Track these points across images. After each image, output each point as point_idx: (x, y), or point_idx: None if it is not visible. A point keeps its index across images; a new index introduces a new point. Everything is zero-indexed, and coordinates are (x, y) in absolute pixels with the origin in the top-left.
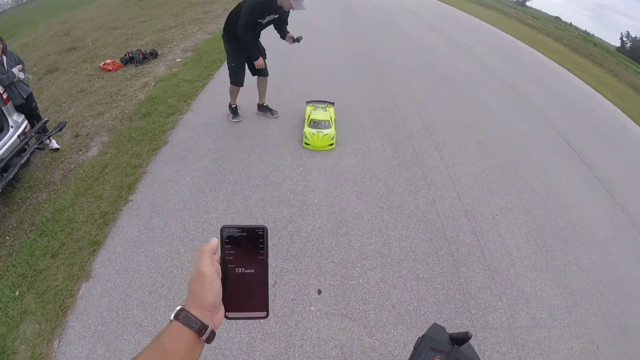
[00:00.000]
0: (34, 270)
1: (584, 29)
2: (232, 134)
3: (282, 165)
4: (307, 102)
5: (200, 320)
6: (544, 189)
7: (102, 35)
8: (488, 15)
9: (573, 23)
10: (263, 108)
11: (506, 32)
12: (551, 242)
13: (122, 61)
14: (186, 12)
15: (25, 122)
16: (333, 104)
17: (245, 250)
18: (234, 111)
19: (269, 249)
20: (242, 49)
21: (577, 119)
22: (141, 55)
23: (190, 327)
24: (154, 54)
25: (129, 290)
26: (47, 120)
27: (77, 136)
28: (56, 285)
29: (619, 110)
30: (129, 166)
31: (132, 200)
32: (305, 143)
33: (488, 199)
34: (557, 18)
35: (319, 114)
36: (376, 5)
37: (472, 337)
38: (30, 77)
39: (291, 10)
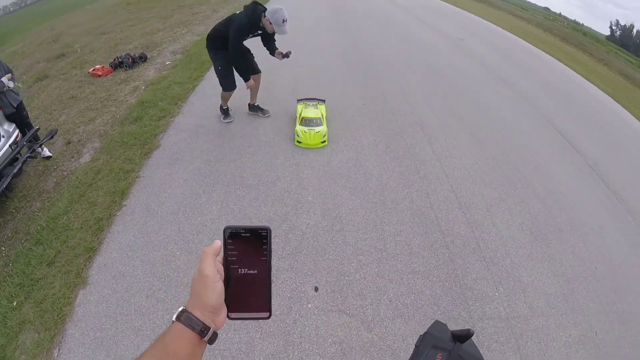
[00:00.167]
0: (31, 280)
1: (573, 19)
2: (224, 135)
3: (275, 164)
4: (298, 100)
5: (202, 322)
6: (537, 179)
7: (90, 40)
8: (477, 8)
9: (562, 13)
10: (254, 108)
11: (496, 24)
12: (546, 231)
13: (111, 66)
14: (174, 15)
15: (17, 131)
16: (324, 101)
17: (248, 250)
18: (225, 112)
19: (272, 250)
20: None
21: (568, 108)
22: (130, 59)
23: (192, 329)
24: (143, 58)
25: (126, 296)
26: (39, 129)
27: (69, 143)
28: (53, 294)
29: (610, 98)
30: (121, 171)
31: (126, 205)
32: (298, 141)
33: (482, 190)
34: (547, 9)
35: (310, 111)
36: (366, 1)
37: (471, 328)
38: (20, 85)
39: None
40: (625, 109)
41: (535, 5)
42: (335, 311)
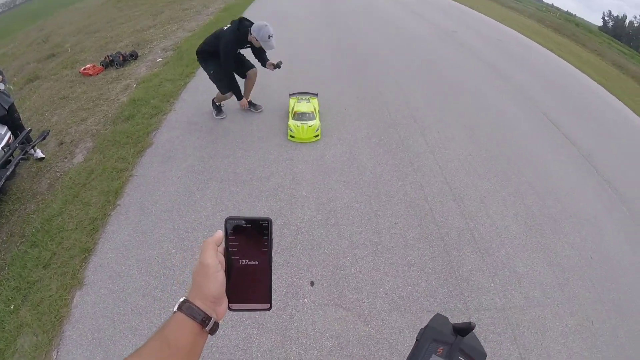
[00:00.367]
0: (27, 282)
1: (566, 10)
2: (217, 131)
3: (268, 160)
4: (290, 94)
5: (203, 312)
6: (531, 170)
7: (80, 39)
8: (470, 0)
9: (555, 4)
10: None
11: (488, 16)
12: (540, 221)
13: (102, 65)
14: (165, 11)
15: (9, 134)
16: (316, 95)
17: (249, 242)
18: (217, 108)
19: (273, 241)
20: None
21: (561, 99)
22: (121, 57)
23: (194, 318)
24: (134, 56)
25: (122, 295)
26: (31, 130)
27: (62, 144)
28: (50, 296)
29: (603, 89)
30: (115, 170)
31: (120, 205)
32: (291, 136)
33: (476, 181)
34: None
35: (303, 105)
36: None
37: (467, 319)
38: (11, 87)
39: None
40: (619, 99)
41: None
42: (331, 305)
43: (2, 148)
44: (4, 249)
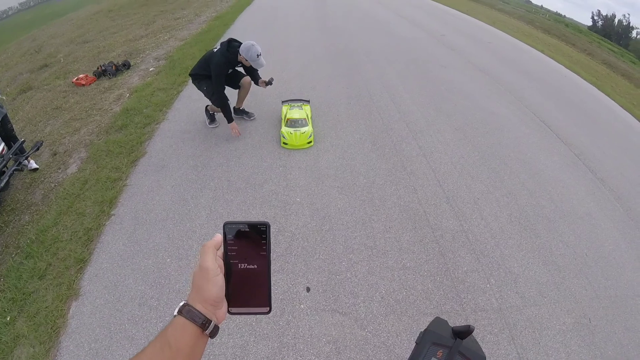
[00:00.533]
0: (23, 294)
1: (555, 11)
2: (210, 140)
3: (262, 167)
4: (283, 101)
5: (203, 315)
6: (523, 170)
7: (73, 49)
8: (459, 3)
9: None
10: (239, 112)
11: (477, 19)
12: (534, 221)
13: (95, 75)
14: (157, 20)
15: (2, 145)
16: (308, 101)
17: (247, 246)
18: (211, 117)
19: (272, 245)
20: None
21: (552, 99)
22: (114, 67)
23: (194, 322)
24: (126, 65)
25: (118, 305)
26: (24, 141)
27: (55, 154)
28: (46, 307)
29: (594, 88)
30: (109, 180)
31: (114, 215)
32: (284, 143)
33: (469, 183)
34: (528, 1)
35: (295, 112)
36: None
37: (465, 321)
38: (3, 98)
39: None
40: (610, 97)
41: None
42: (328, 310)
43: None
44: None
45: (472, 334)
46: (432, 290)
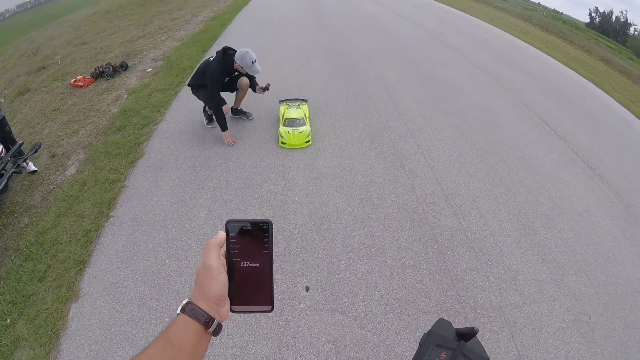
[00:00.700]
0: (23, 296)
1: (552, 8)
2: (208, 140)
3: (260, 167)
4: (280, 101)
5: (206, 313)
6: (522, 167)
7: (70, 51)
8: (457, 1)
9: (541, 3)
10: (237, 112)
11: (475, 17)
12: (533, 218)
13: (92, 76)
14: (154, 21)
15: (0, 147)
16: (306, 101)
17: (250, 244)
18: (209, 117)
19: (274, 244)
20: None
21: (550, 96)
22: (111, 68)
23: (197, 320)
24: (124, 66)
25: (118, 306)
26: (22, 143)
27: (54, 156)
28: (46, 309)
29: (592, 84)
30: (107, 182)
31: (113, 216)
32: (282, 142)
33: (467, 181)
34: None
35: (293, 112)
36: None
37: (464, 319)
38: (1, 100)
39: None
40: (608, 94)
41: None
42: (327, 310)
43: None
44: None
45: (476, 336)
46: (431, 288)
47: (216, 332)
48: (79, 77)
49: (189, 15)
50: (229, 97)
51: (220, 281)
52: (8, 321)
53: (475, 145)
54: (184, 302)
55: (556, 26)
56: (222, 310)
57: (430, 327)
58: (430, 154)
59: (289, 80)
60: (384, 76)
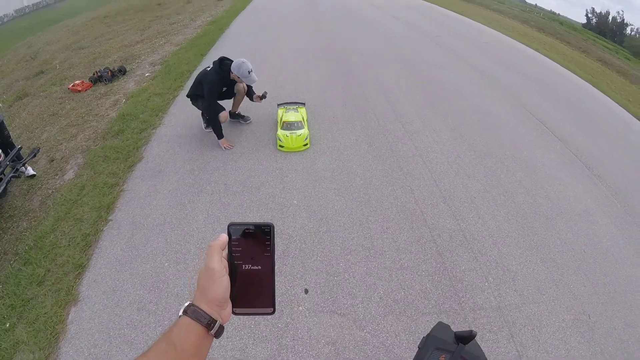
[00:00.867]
0: (22, 300)
1: (549, 9)
2: (206, 144)
3: (258, 170)
4: (278, 104)
5: (209, 315)
6: (520, 168)
7: (69, 56)
8: (453, 4)
9: (538, 4)
10: (235, 115)
11: (472, 19)
12: (532, 219)
13: (91, 81)
14: (152, 26)
15: None
16: (304, 104)
17: (252, 247)
18: (207, 121)
19: (275, 246)
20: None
21: (548, 97)
22: (110, 73)
23: (199, 322)
24: (122, 71)
25: (117, 310)
26: (21, 148)
27: (52, 161)
28: (45, 313)
29: (589, 85)
30: (106, 186)
31: (112, 220)
32: (280, 145)
33: (465, 183)
34: (522, 1)
35: (291, 115)
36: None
37: (463, 319)
38: (0, 105)
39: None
40: (605, 94)
41: None
42: (326, 312)
43: None
44: None
45: (475, 338)
46: (430, 289)
47: (218, 334)
48: (77, 82)
49: (187, 20)
50: (226, 102)
51: (222, 284)
52: (7, 325)
53: (473, 147)
54: (186, 304)
55: (553, 27)
56: (224, 312)
57: (429, 331)
58: (428, 156)
59: (286, 84)
60: (382, 79)
